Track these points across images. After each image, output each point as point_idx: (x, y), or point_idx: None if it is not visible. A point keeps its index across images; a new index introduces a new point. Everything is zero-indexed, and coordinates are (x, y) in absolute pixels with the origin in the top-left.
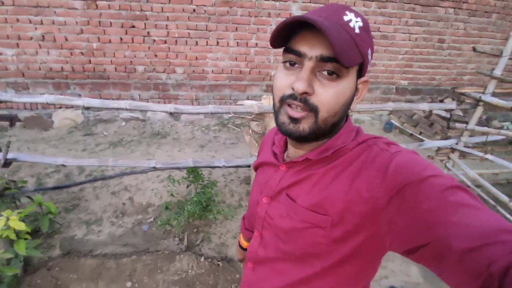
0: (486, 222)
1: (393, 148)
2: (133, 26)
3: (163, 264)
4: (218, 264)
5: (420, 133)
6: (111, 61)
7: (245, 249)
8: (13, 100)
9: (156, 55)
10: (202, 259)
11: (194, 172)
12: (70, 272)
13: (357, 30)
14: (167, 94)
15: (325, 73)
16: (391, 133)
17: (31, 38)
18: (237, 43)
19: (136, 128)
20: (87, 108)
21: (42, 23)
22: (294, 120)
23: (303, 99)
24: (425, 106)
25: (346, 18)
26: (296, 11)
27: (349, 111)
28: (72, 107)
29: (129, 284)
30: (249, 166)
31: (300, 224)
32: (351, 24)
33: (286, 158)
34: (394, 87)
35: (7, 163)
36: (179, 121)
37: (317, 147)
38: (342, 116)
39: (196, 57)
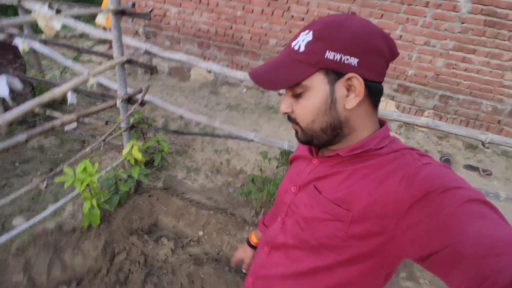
0: (501, 234)
1: (425, 160)
2: (276, 0)
3: (233, 228)
4: None
5: None
6: (249, 30)
7: (252, 246)
8: (157, 54)
9: (290, 31)
10: None
11: (287, 155)
12: (163, 205)
13: (302, 49)
14: None
15: (294, 95)
16: None
17: None
18: None
19: (253, 97)
20: (210, 72)
21: None
22: (295, 131)
23: (288, 117)
24: None
25: (293, 43)
26: (465, 3)
27: (347, 109)
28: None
29: (201, 233)
30: None
31: (322, 215)
32: (296, 47)
33: (320, 154)
34: None
35: (143, 103)
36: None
37: (347, 146)
38: (331, 120)
39: None
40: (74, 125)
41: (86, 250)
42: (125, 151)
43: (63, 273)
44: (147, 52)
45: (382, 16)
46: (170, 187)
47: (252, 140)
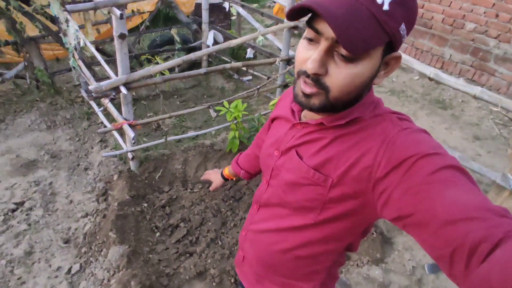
0: (472, 201)
1: (405, 124)
2: None
3: None
4: None
5: None
6: (443, 10)
7: (224, 178)
8: None
9: (497, 15)
10: None
11: None
12: None
13: (385, 7)
14: (483, 65)
15: (341, 55)
16: None
17: None
18: None
19: (423, 87)
20: None
21: None
22: (306, 95)
23: (315, 79)
24: None
25: None
26: None
27: (373, 85)
28: None
29: None
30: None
31: (302, 180)
32: (379, 0)
33: (302, 118)
34: None
35: None
36: (477, 100)
37: (333, 114)
38: (359, 94)
39: None
40: (249, 77)
41: (223, 166)
42: (272, 102)
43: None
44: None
45: None
46: None
47: None
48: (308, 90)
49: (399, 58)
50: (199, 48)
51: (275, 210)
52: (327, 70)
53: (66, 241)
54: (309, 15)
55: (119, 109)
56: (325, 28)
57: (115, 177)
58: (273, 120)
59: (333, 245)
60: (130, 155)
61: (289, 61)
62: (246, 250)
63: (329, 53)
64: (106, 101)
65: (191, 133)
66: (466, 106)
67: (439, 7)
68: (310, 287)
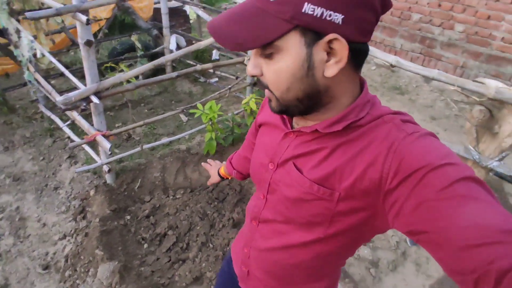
0: (493, 220)
1: (410, 128)
2: None
3: None
4: None
5: None
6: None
7: (221, 176)
8: None
9: (440, 5)
10: None
11: None
12: None
13: None
14: (430, 52)
15: (263, 55)
16: None
17: None
18: None
19: (381, 76)
20: None
21: None
22: (269, 100)
23: (258, 80)
24: None
25: None
26: None
27: (327, 76)
28: None
29: None
30: None
31: (306, 196)
32: None
33: (294, 125)
34: None
35: None
36: (429, 84)
37: (325, 119)
38: (309, 89)
39: (489, 16)
40: (215, 79)
41: (202, 170)
42: (244, 100)
43: (184, 181)
44: None
45: None
46: None
47: None
48: (266, 95)
49: (334, 40)
50: (161, 53)
51: (279, 226)
52: (262, 71)
53: (46, 267)
54: None
55: (88, 120)
56: None
57: (92, 192)
58: (260, 125)
59: (344, 252)
60: (106, 168)
61: None
62: (252, 266)
63: (260, 56)
64: (74, 114)
65: (166, 139)
66: (420, 90)
67: None
68: (322, 286)
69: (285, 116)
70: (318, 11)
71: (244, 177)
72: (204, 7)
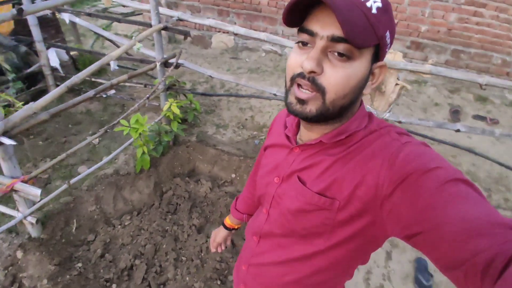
0: (481, 215)
1: (404, 139)
2: None
3: None
4: None
5: None
6: None
7: (228, 228)
8: (188, 20)
9: None
10: None
11: None
12: (199, 154)
13: (374, 11)
14: None
15: (336, 53)
16: None
17: None
18: None
19: (272, 60)
20: (236, 34)
21: None
22: (301, 101)
23: (311, 79)
24: None
25: None
26: None
27: (363, 95)
28: (227, 32)
29: (233, 175)
30: None
31: (307, 207)
32: (368, 4)
33: (299, 141)
34: None
35: (177, 66)
36: None
37: (331, 130)
38: (353, 100)
39: None
40: (113, 91)
41: (141, 188)
42: (165, 107)
43: (125, 205)
44: (179, 19)
45: None
46: (203, 140)
47: (275, 95)
48: (304, 95)
49: (384, 67)
50: (40, 73)
51: (279, 240)
52: (323, 69)
53: None
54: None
55: None
56: (320, 28)
57: (19, 254)
58: (265, 149)
59: (342, 271)
60: (31, 220)
61: (166, 63)
62: (250, 284)
63: (324, 53)
64: None
65: (94, 167)
66: None
67: None
68: None
69: (289, 135)
70: (389, 40)
71: None
72: (79, 12)
